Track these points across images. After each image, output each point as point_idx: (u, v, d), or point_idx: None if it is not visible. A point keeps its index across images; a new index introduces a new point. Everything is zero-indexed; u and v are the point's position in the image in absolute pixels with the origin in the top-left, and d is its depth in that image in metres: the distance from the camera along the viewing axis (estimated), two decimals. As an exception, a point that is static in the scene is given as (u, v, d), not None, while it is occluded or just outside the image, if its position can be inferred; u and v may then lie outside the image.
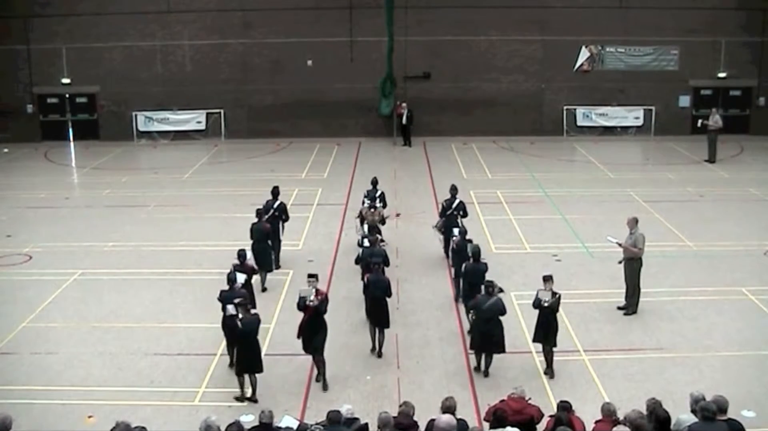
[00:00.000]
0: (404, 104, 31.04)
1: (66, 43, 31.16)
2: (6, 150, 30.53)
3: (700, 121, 28.56)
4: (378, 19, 29.97)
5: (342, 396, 11.66)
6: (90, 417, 11.22)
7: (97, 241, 19.22)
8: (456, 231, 15.86)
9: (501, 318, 12.29)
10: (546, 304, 12.10)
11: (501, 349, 12.35)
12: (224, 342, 12.68)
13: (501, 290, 12.63)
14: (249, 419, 10.44)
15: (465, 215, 17.25)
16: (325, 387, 11.95)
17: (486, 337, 12.28)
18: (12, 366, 12.91)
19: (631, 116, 32.15)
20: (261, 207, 16.98)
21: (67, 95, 32.23)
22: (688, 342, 13.49)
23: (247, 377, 11.71)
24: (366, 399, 11.73)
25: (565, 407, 9.01)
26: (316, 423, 8.96)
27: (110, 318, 14.75)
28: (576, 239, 19.04)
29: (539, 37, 31.53)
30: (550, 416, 9.00)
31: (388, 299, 13.25)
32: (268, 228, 16.43)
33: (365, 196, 18.22)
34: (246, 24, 31.52)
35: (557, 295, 12.21)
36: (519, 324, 13.87)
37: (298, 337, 12.16)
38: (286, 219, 17.67)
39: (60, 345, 13.66)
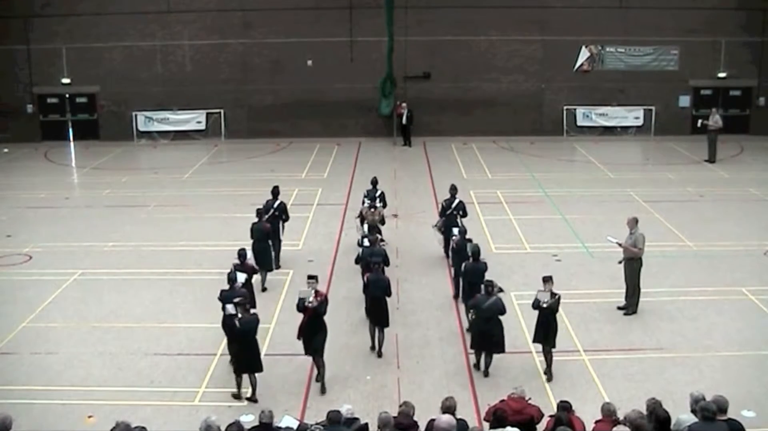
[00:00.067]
0: (404, 104, 31.05)
1: (66, 43, 31.17)
2: (6, 150, 30.54)
3: (700, 121, 28.56)
4: (378, 19, 29.97)
5: (342, 396, 11.66)
6: (90, 417, 11.23)
7: (97, 241, 19.22)
8: (456, 230, 15.87)
9: (501, 317, 12.29)
10: (545, 305, 12.10)
11: (500, 349, 12.35)
12: (224, 342, 12.66)
13: (501, 290, 12.63)
14: (249, 419, 10.44)
15: (464, 215, 17.26)
16: (323, 391, 11.91)
17: (485, 337, 12.29)
18: (12, 366, 12.91)
19: (631, 116, 32.15)
20: (261, 206, 17.00)
21: (67, 95, 32.23)
22: (688, 342, 13.50)
23: (246, 377, 11.71)
24: (366, 399, 11.73)
25: (565, 407, 9.01)
26: (316, 423, 8.96)
27: (110, 318, 14.75)
28: (576, 239, 19.05)
29: (539, 37, 31.53)
30: (550, 416, 9.00)
31: (387, 298, 13.27)
32: (268, 228, 16.44)
33: (365, 196, 18.23)
34: (246, 24, 31.52)
35: (557, 296, 12.20)
36: (519, 324, 13.87)
37: (299, 338, 12.16)
38: (286, 218, 17.68)
39: (60, 345, 13.67)
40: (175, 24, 31.42)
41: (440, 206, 18.07)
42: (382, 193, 18.44)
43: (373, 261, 13.75)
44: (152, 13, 31.08)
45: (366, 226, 16.74)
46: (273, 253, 16.78)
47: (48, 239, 19.43)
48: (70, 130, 32.55)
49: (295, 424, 9.34)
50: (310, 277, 12.28)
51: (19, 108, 31.75)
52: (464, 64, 31.58)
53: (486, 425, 9.16)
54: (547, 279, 12.28)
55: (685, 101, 32.09)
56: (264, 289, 15.84)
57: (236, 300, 11.71)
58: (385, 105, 31.30)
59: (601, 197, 22.87)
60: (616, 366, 12.63)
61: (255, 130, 32.00)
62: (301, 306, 11.98)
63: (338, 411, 9.00)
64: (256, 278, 14.84)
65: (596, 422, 8.80)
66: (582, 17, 31.00)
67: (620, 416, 8.64)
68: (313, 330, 12.00)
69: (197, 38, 31.63)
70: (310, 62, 31.72)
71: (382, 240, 16.12)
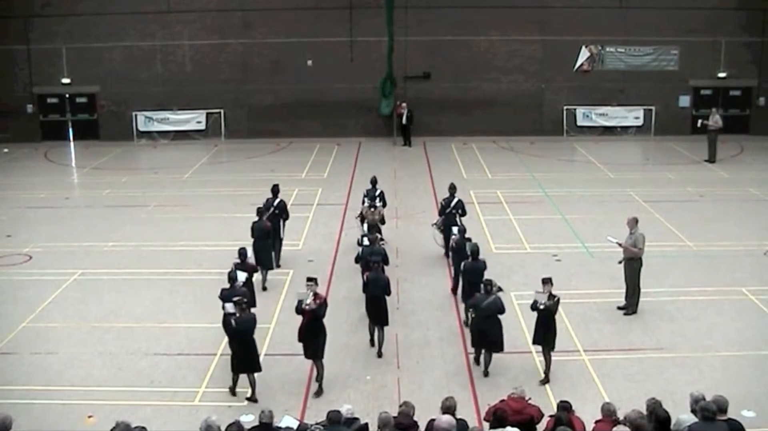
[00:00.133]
0: (404, 104, 31.05)
1: (66, 43, 31.17)
2: (6, 150, 30.54)
3: (700, 121, 28.56)
4: (378, 19, 29.98)
5: (342, 396, 11.65)
6: (90, 417, 11.23)
7: (97, 241, 19.22)
8: (455, 230, 15.91)
9: (500, 317, 12.30)
10: (542, 306, 12.08)
11: (499, 348, 12.36)
12: (224, 342, 12.66)
13: (500, 289, 12.63)
14: (249, 419, 10.44)
15: (464, 214, 17.30)
16: (318, 393, 11.88)
17: (484, 335, 12.32)
18: (12, 366, 12.91)
19: (631, 116, 32.15)
20: (261, 205, 17.02)
21: (67, 95, 32.23)
22: (688, 342, 13.50)
23: (245, 376, 11.71)
24: (366, 399, 11.73)
25: (565, 407, 9.01)
26: (316, 423, 8.96)
27: (110, 318, 14.75)
28: (576, 239, 19.05)
29: (539, 37, 31.53)
30: (550, 416, 9.00)
31: (387, 297, 13.29)
32: (268, 227, 16.46)
33: (365, 196, 18.25)
34: (246, 24, 31.52)
35: (556, 298, 12.16)
36: (519, 324, 13.87)
37: (300, 341, 12.15)
38: (286, 217, 17.71)
39: (60, 345, 13.67)
40: (175, 24, 31.42)
41: (439, 205, 18.10)
42: (382, 192, 18.45)
43: (372, 260, 13.79)
44: (152, 13, 31.08)
45: (366, 225, 16.76)
46: (273, 252, 16.79)
47: (48, 239, 19.43)
48: (70, 130, 32.55)
49: (295, 424, 9.34)
50: (309, 279, 12.20)
51: (19, 108, 31.75)
52: (464, 64, 31.58)
53: (486, 425, 9.16)
54: (546, 281, 12.24)
55: (685, 101, 32.09)
56: (264, 288, 15.84)
57: (235, 299, 11.71)
58: (385, 105, 31.30)
59: (601, 197, 22.87)
60: (616, 366, 12.63)
61: (255, 130, 32.00)
62: (299, 309, 11.96)
63: (338, 411, 9.00)
64: (256, 277, 14.86)
65: (596, 422, 8.80)
66: (582, 17, 31.01)
67: (620, 416, 8.64)
68: (312, 333, 11.97)
69: (197, 38, 31.63)
70: (310, 62, 31.73)
71: (381, 239, 16.13)
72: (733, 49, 31.22)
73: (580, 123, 32.19)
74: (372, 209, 17.39)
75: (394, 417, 8.67)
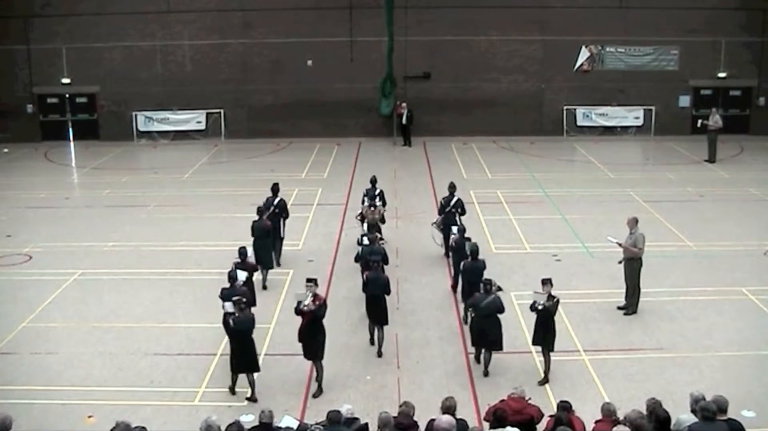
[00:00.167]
0: (404, 104, 31.05)
1: (66, 43, 31.17)
2: (6, 150, 30.54)
3: (700, 121, 28.56)
4: (378, 19, 29.97)
5: (342, 396, 11.65)
6: (90, 417, 11.23)
7: (97, 241, 19.22)
8: (455, 229, 15.95)
9: (500, 316, 12.32)
10: (540, 307, 12.07)
11: (498, 347, 12.38)
12: (225, 342, 12.66)
13: (500, 288, 12.64)
14: (249, 419, 10.44)
15: (463, 212, 17.34)
16: (317, 394, 11.87)
17: (483, 335, 12.35)
18: (12, 366, 12.91)
19: (631, 116, 32.15)
20: (261, 204, 17.03)
21: (67, 95, 32.23)
22: (688, 342, 13.50)
23: (245, 376, 11.71)
24: (366, 399, 11.73)
25: (565, 407, 9.01)
26: (316, 423, 8.96)
27: (110, 318, 14.75)
28: (576, 239, 19.05)
29: (539, 37, 31.53)
30: (550, 416, 9.00)
31: (387, 297, 13.30)
32: (269, 226, 16.48)
33: (365, 195, 18.29)
34: (246, 24, 31.52)
35: (555, 299, 12.15)
36: (519, 324, 13.87)
37: (299, 341, 12.14)
38: (286, 216, 17.72)
39: (60, 345, 13.67)
40: (175, 24, 31.42)
41: (439, 204, 18.12)
42: (381, 191, 18.47)
43: (372, 260, 13.81)
44: (152, 13, 31.08)
45: (366, 225, 16.77)
46: (274, 251, 16.81)
47: (48, 239, 19.43)
48: (70, 130, 32.56)
49: (295, 424, 9.34)
50: (308, 280, 12.15)
51: (19, 108, 31.75)
52: (464, 64, 31.57)
53: (486, 425, 9.16)
54: (546, 282, 12.22)
55: (685, 101, 32.09)
56: (264, 287, 15.85)
57: (235, 298, 11.72)
58: (385, 105, 31.30)
59: (601, 197, 22.87)
60: (616, 366, 12.63)
61: (255, 130, 32.00)
62: (298, 310, 11.94)
63: (338, 411, 9.00)
64: (256, 276, 14.87)
65: (596, 422, 8.80)
66: (582, 17, 31.01)
67: (620, 416, 8.64)
68: (311, 334, 11.94)
69: (197, 38, 31.63)
70: (310, 62, 31.73)
71: (381, 238, 16.14)
72: (733, 49, 31.22)
73: (580, 123, 32.19)
74: (372, 208, 17.42)
75: (394, 417, 8.67)
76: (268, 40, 31.59)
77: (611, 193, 23.21)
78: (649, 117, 31.87)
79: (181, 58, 31.81)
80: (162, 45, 31.60)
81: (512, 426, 8.69)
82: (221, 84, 31.86)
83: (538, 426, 9.34)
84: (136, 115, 31.99)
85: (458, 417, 8.78)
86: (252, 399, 11.64)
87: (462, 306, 14.53)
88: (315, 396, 11.83)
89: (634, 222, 14.54)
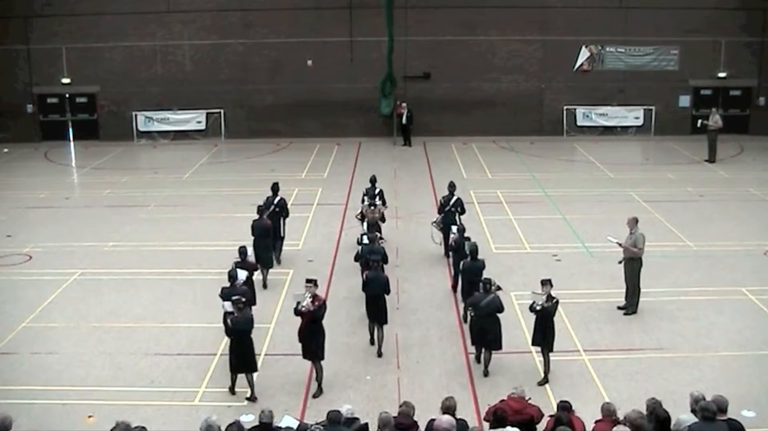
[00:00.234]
0: (404, 104, 31.05)
1: (66, 43, 31.17)
2: (6, 150, 30.54)
3: (699, 121, 28.54)
4: (378, 19, 29.96)
5: (342, 396, 11.65)
6: (90, 417, 11.23)
7: (97, 241, 19.22)
8: (454, 229, 15.98)
9: (499, 315, 12.33)
10: (538, 307, 12.07)
11: (498, 346, 12.39)
12: (225, 342, 12.65)
13: (499, 288, 12.63)
14: (249, 419, 10.44)
15: (462, 212, 17.37)
16: (316, 394, 11.87)
17: (483, 334, 12.37)
18: (12, 366, 12.91)
19: (631, 116, 32.15)
20: (262, 204, 17.05)
21: (67, 95, 32.24)
22: (688, 342, 13.50)
23: (244, 376, 11.72)
24: (366, 399, 11.73)
25: (565, 407, 9.02)
26: (316, 423, 8.96)
27: (110, 318, 14.75)
28: (576, 239, 19.05)
29: (539, 37, 31.53)
30: (550, 416, 9.00)
31: (386, 296, 13.31)
32: (269, 225, 16.51)
33: (364, 194, 18.32)
34: (246, 24, 31.52)
35: (554, 300, 12.14)
36: (519, 324, 13.87)
37: (300, 341, 12.13)
38: (287, 215, 17.75)
39: (60, 345, 13.67)
40: (175, 24, 31.42)
41: (439, 203, 18.14)
42: (381, 190, 18.49)
43: (372, 259, 13.82)
44: (152, 13, 31.07)
45: (366, 224, 16.78)
46: (274, 250, 16.86)
47: (48, 239, 19.43)
48: (70, 130, 32.55)
49: (295, 424, 9.34)
50: (308, 281, 12.11)
51: (19, 108, 31.75)
52: (464, 64, 31.56)
53: (486, 425, 9.16)
54: (546, 283, 12.20)
55: (685, 101, 32.08)
56: (265, 286, 15.86)
57: (234, 298, 11.73)
58: (385, 105, 31.29)
59: (601, 197, 22.87)
60: (616, 366, 12.63)
61: (255, 130, 32.00)
62: (297, 310, 11.93)
63: (338, 411, 9.00)
64: (256, 275, 14.88)
65: (596, 422, 8.81)
66: (582, 17, 31.01)
67: (620, 416, 8.64)
68: (310, 334, 11.91)
69: (197, 38, 31.63)
70: (310, 62, 31.72)
71: (381, 238, 16.16)
72: (733, 49, 31.22)
73: (580, 123, 32.19)
74: (372, 208, 17.45)
75: (394, 417, 8.67)
76: (268, 40, 31.59)
77: (611, 193, 23.21)
78: (649, 117, 31.87)
79: (180, 58, 31.81)
80: (162, 45, 31.59)
81: (512, 426, 8.70)
82: (221, 84, 31.85)
83: (538, 426, 9.34)
84: (136, 115, 31.99)
85: (458, 417, 8.78)
86: (251, 398, 11.65)
87: (462, 305, 14.53)
88: (315, 396, 11.83)
89: (634, 223, 14.54)
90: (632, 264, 14.53)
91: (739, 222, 20.25)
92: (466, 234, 15.59)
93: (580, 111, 32.11)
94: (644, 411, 8.57)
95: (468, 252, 14.11)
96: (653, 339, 13.61)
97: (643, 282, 14.64)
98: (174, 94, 31.84)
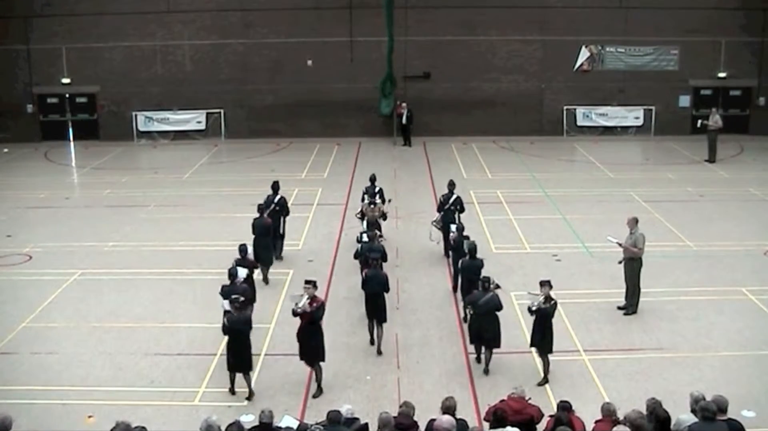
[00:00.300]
0: (404, 104, 31.05)
1: (66, 43, 31.17)
2: (6, 150, 30.54)
3: (699, 121, 28.53)
4: (378, 19, 29.95)
5: (342, 396, 11.65)
6: (90, 417, 11.23)
7: (97, 241, 19.22)
8: (453, 227, 16.02)
9: (498, 314, 12.34)
10: (534, 308, 12.05)
11: (496, 344, 12.41)
12: (225, 342, 12.64)
13: (498, 286, 12.64)
14: (249, 419, 10.43)
15: (462, 210, 17.41)
16: (315, 394, 11.85)
17: (481, 332, 12.39)
18: (12, 366, 12.91)
19: (631, 116, 32.15)
20: (262, 202, 17.08)
21: (67, 95, 32.23)
22: (688, 342, 13.50)
23: (242, 376, 11.73)
24: (366, 399, 11.73)
25: (565, 407, 9.02)
26: (316, 423, 8.96)
27: (110, 318, 14.75)
28: (576, 239, 19.05)
29: (539, 37, 31.53)
30: (550, 416, 9.00)
31: (385, 294, 13.32)
32: (269, 223, 16.57)
33: (364, 193, 18.36)
34: (246, 24, 31.51)
35: (552, 302, 12.10)
36: (519, 324, 13.87)
37: (298, 342, 12.11)
38: (287, 214, 17.79)
39: (60, 345, 13.67)
40: (175, 24, 31.41)
41: (438, 201, 18.16)
42: (381, 189, 18.53)
43: (371, 257, 13.85)
44: (152, 13, 31.07)
45: (366, 222, 16.81)
46: (274, 247, 16.95)
47: (48, 239, 19.43)
48: (70, 130, 32.55)
49: (295, 424, 9.34)
50: (307, 282, 12.02)
51: (19, 108, 31.76)
52: (464, 64, 31.56)
53: (486, 425, 9.16)
54: (544, 284, 12.15)
55: (685, 101, 32.08)
56: (267, 282, 15.92)
57: (233, 297, 11.75)
58: (385, 105, 31.29)
59: (601, 197, 22.86)
60: (616, 366, 12.63)
61: (255, 130, 32.00)
62: (294, 311, 11.91)
63: (338, 411, 9.01)
64: (257, 273, 14.89)
65: (596, 422, 8.81)
66: (582, 17, 31.01)
67: (620, 416, 8.64)
68: (309, 335, 11.88)
69: (197, 38, 31.63)
70: (310, 62, 31.72)
71: (381, 235, 16.18)
72: (733, 49, 31.22)
73: (580, 123, 32.19)
74: (372, 206, 17.49)
75: (394, 417, 8.67)
76: (268, 40, 31.59)
77: (611, 193, 23.21)
78: (649, 117, 31.86)
79: (180, 58, 31.80)
80: (162, 45, 31.59)
81: (512, 426, 8.70)
82: (221, 84, 31.85)
83: (538, 426, 9.34)
84: (136, 115, 31.99)
85: (458, 417, 8.78)
86: (249, 395, 11.68)
87: (462, 304, 14.53)
88: (315, 396, 11.83)
89: (634, 223, 14.54)
90: (632, 264, 14.53)
91: (739, 222, 20.25)
92: (465, 233, 15.61)
93: (580, 111, 32.11)
94: (644, 411, 8.57)
95: (467, 250, 14.15)
96: (653, 339, 13.61)
97: (643, 282, 14.64)
98: (174, 94, 31.84)
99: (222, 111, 32.05)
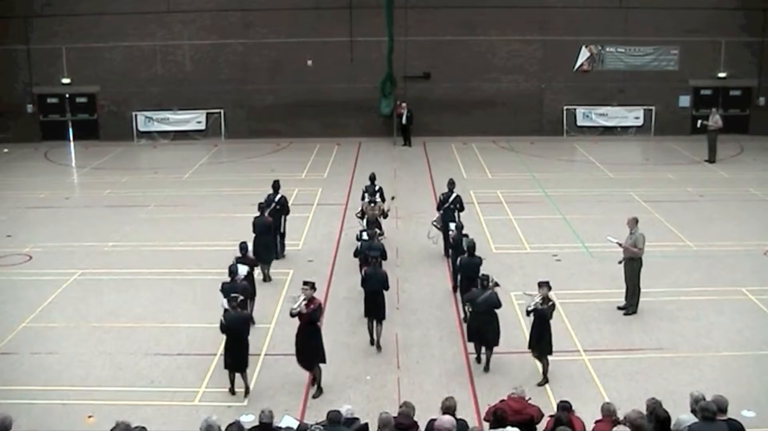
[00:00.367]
0: (404, 104, 31.05)
1: (66, 43, 31.17)
2: (6, 150, 30.54)
3: (699, 121, 28.52)
4: (378, 19, 29.95)
5: (342, 396, 11.65)
6: (90, 417, 11.23)
7: (97, 241, 19.22)
8: (453, 226, 16.05)
9: (497, 311, 12.36)
10: (530, 308, 12.02)
11: (495, 343, 12.42)
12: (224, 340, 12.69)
13: (496, 284, 12.64)
14: (249, 419, 10.42)
15: (461, 209, 17.45)
16: (315, 395, 11.84)
17: (480, 330, 12.40)
18: (12, 366, 12.91)
19: (631, 116, 32.15)
20: (263, 201, 17.11)
21: (67, 95, 32.23)
22: (688, 342, 13.50)
23: (240, 375, 11.75)
24: (366, 399, 11.73)
25: (565, 407, 9.02)
26: (316, 423, 8.96)
27: (110, 318, 14.75)
28: (576, 239, 19.05)
29: (539, 37, 31.53)
30: (550, 416, 9.00)
31: (385, 292, 13.34)
32: (269, 222, 16.61)
33: (364, 191, 18.39)
34: (246, 24, 31.51)
35: (550, 303, 12.09)
36: (519, 324, 13.86)
37: (295, 344, 12.10)
38: (287, 212, 17.83)
39: (60, 345, 13.67)
40: (175, 24, 31.42)
41: (438, 200, 18.18)
42: (381, 188, 18.56)
43: (371, 255, 13.87)
44: (152, 13, 31.07)
45: (365, 221, 16.83)
46: (276, 245, 17.01)
47: (48, 239, 19.43)
48: (70, 130, 32.55)
49: (295, 424, 9.34)
50: (305, 283, 11.97)
51: (19, 108, 31.76)
52: (464, 64, 31.56)
53: (486, 425, 9.16)
54: (542, 285, 12.12)
55: (685, 101, 32.08)
56: (269, 279, 15.95)
57: (232, 295, 11.76)
58: (385, 105, 31.29)
59: (601, 197, 22.86)
60: (616, 366, 12.63)
61: (255, 130, 32.00)
62: (291, 312, 11.88)
63: (338, 411, 9.01)
64: (257, 272, 14.91)
65: (596, 422, 8.81)
66: (582, 17, 31.01)
67: (620, 416, 8.64)
68: (307, 336, 11.85)
69: (197, 38, 31.63)
70: (310, 62, 31.73)
71: (381, 234, 16.20)
72: (733, 49, 31.22)
73: (580, 123, 32.19)
74: (372, 205, 17.52)
75: (394, 417, 8.67)
76: (268, 40, 31.59)
77: (611, 193, 23.21)
78: (649, 117, 31.87)
79: (180, 58, 31.81)
80: (162, 45, 31.59)
81: (512, 426, 8.70)
82: (221, 84, 31.85)
83: (538, 426, 9.34)
84: (136, 115, 32.00)
85: (458, 417, 8.78)
86: (246, 391, 11.71)
87: (461, 304, 14.52)
88: (315, 396, 11.83)
89: (634, 223, 14.54)
90: (632, 264, 14.53)
91: (739, 222, 20.25)
92: (464, 232, 15.62)
93: (580, 111, 32.11)
94: (644, 411, 8.57)
95: (465, 248, 14.17)
96: (653, 339, 13.61)
97: (643, 282, 14.64)
98: (174, 94, 31.84)
99: (222, 111, 32.05)
